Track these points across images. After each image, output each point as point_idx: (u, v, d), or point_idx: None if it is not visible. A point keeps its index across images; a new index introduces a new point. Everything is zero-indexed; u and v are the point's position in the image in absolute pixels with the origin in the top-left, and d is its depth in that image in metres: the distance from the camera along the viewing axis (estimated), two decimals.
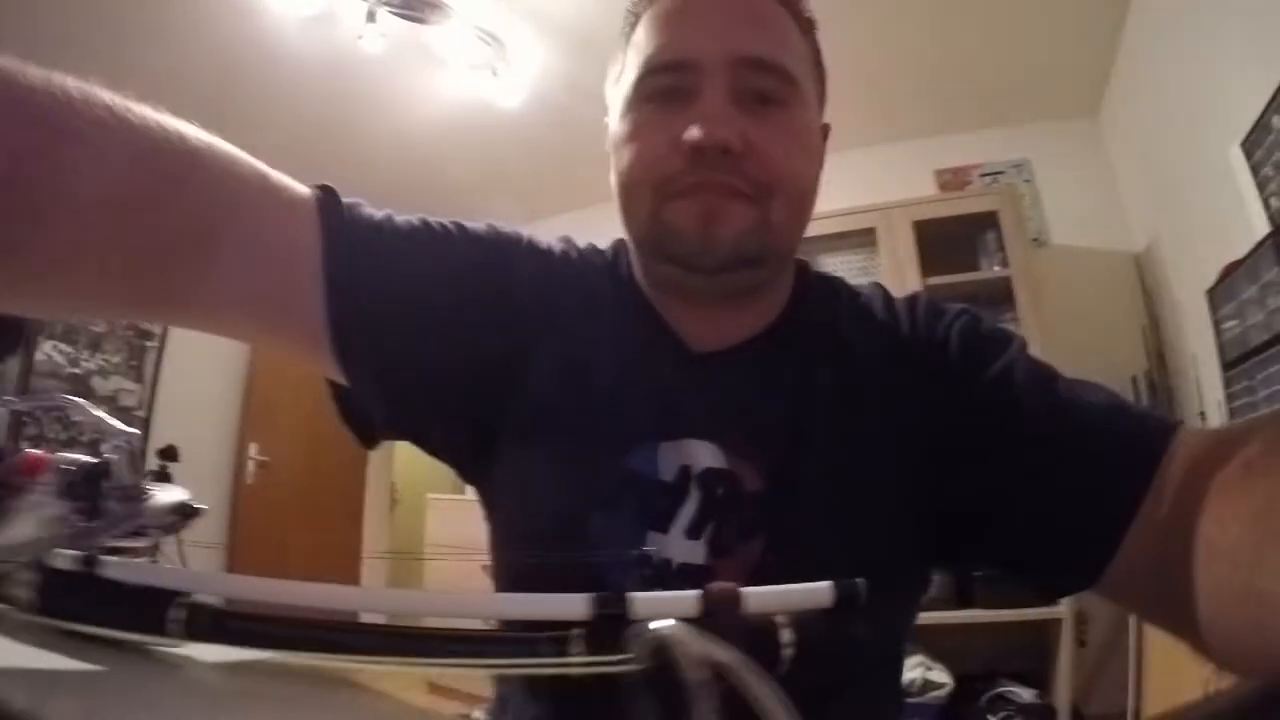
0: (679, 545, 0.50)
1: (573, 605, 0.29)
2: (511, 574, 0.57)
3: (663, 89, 0.51)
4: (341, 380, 0.54)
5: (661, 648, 0.21)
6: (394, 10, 2.40)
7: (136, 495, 0.47)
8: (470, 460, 0.60)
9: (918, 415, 0.52)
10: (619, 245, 0.66)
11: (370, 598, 0.40)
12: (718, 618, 0.25)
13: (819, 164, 0.56)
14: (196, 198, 0.44)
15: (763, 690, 0.17)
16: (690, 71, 0.50)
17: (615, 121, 0.57)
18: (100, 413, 0.51)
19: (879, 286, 0.61)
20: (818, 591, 0.31)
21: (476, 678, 2.25)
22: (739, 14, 0.52)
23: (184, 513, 0.49)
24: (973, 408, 0.50)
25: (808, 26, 0.56)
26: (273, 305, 0.50)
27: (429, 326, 0.53)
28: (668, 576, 0.49)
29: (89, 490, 0.48)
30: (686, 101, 0.50)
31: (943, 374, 0.52)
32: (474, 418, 0.56)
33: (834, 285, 0.62)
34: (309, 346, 0.51)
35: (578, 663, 0.27)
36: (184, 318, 0.52)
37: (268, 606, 0.38)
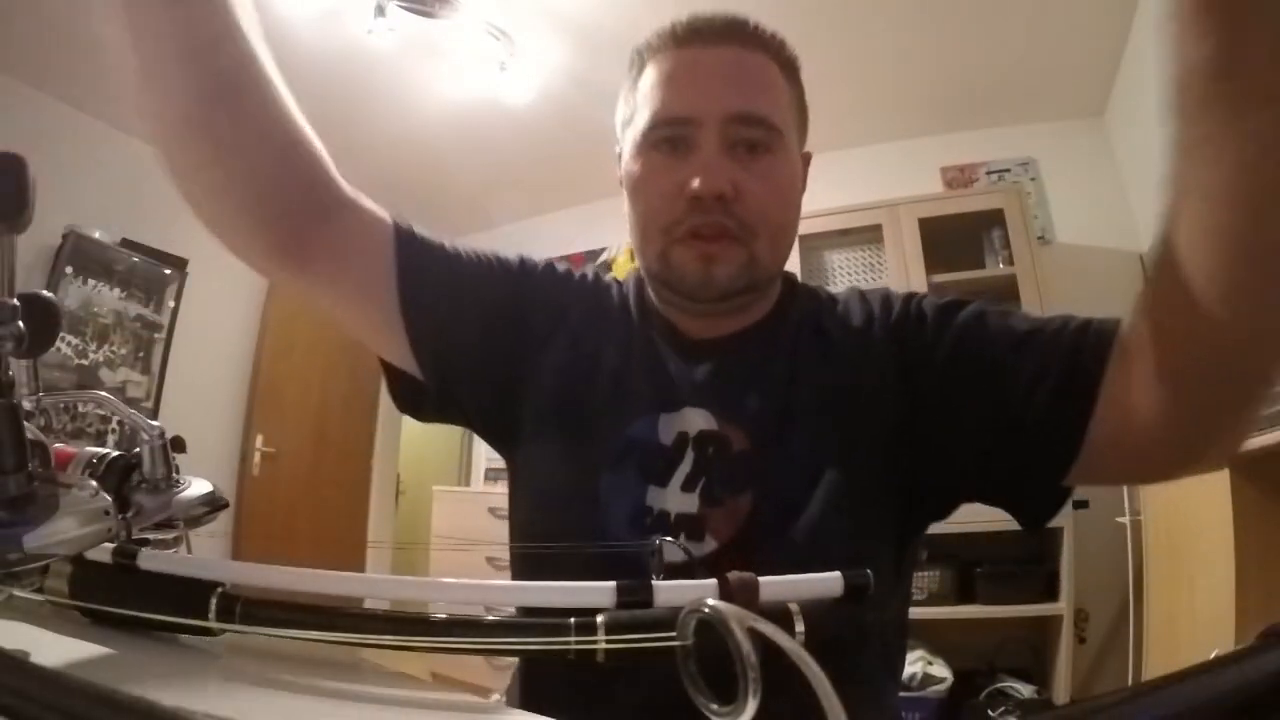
0: (676, 498, 0.58)
1: (599, 594, 0.31)
2: (532, 531, 0.63)
3: (666, 139, 0.60)
4: (393, 360, 0.65)
5: (711, 623, 0.23)
6: (403, 4, 2.40)
7: (166, 488, 0.48)
8: (501, 434, 0.68)
9: (889, 376, 0.60)
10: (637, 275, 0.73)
11: (400, 587, 0.41)
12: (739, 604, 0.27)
13: (800, 198, 0.66)
14: (320, 172, 0.59)
15: (807, 659, 0.18)
16: (690, 126, 0.59)
17: (626, 159, 0.65)
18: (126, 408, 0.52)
19: (854, 289, 0.70)
20: (828, 581, 0.33)
21: (479, 667, 2.27)
22: (731, 73, 0.60)
23: (212, 505, 0.50)
24: (939, 348, 0.58)
25: (792, 71, 0.65)
26: (363, 286, 0.63)
27: (469, 321, 0.64)
28: (665, 526, 0.56)
29: (119, 483, 0.49)
30: (687, 151, 0.59)
31: (910, 336, 0.61)
32: (502, 397, 0.65)
33: (815, 292, 0.72)
34: (382, 324, 0.62)
35: (627, 642, 0.29)
36: (306, 274, 0.62)
37: (300, 595, 0.39)
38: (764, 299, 0.67)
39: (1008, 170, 3.04)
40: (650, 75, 0.62)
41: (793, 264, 2.88)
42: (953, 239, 2.69)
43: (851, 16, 2.48)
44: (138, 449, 0.51)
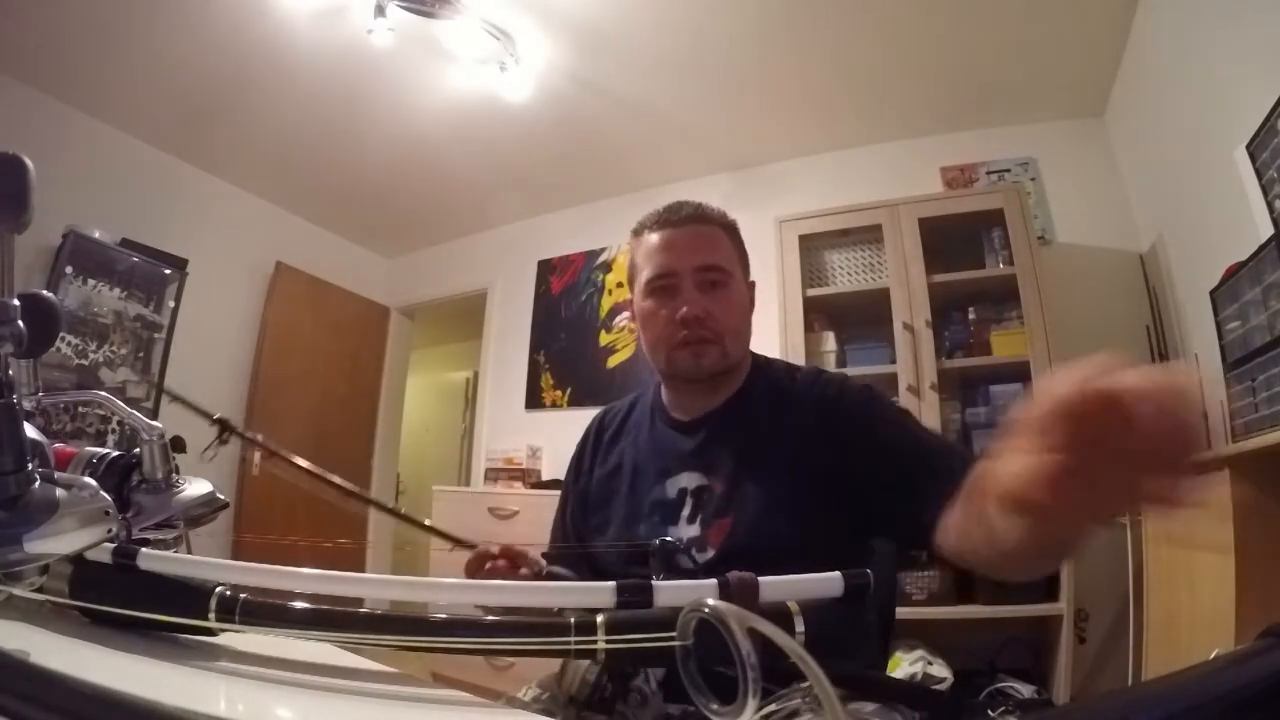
0: (685, 529, 0.91)
1: (599, 595, 0.31)
2: (611, 568, 0.92)
3: (662, 287, 0.96)
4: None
5: (710, 622, 0.23)
6: (403, 4, 2.40)
7: (166, 488, 0.48)
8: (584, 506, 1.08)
9: (817, 441, 0.89)
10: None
11: (411, 587, 0.41)
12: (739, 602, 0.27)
13: (748, 310, 1.01)
14: None
15: (807, 658, 0.18)
16: (675, 277, 0.95)
17: (638, 299, 1.00)
18: (126, 408, 0.52)
19: (812, 369, 1.02)
20: (829, 581, 0.33)
21: (480, 667, 2.27)
22: (696, 242, 0.97)
23: (211, 505, 0.51)
24: (851, 432, 0.88)
25: (732, 231, 1.02)
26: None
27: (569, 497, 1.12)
28: (680, 546, 0.86)
29: (119, 483, 0.49)
30: (675, 293, 0.95)
31: (833, 414, 0.91)
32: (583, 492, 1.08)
33: (775, 370, 1.03)
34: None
35: (626, 642, 0.29)
36: None
37: (300, 595, 0.39)
38: (735, 379, 1.00)
39: (1008, 170, 3.04)
40: (647, 243, 0.99)
41: (794, 264, 2.84)
42: (953, 239, 2.69)
43: (852, 17, 2.48)
44: (137, 449, 0.51)
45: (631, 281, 1.04)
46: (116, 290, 3.26)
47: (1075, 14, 2.43)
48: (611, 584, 0.32)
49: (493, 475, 3.59)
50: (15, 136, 2.85)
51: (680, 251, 0.95)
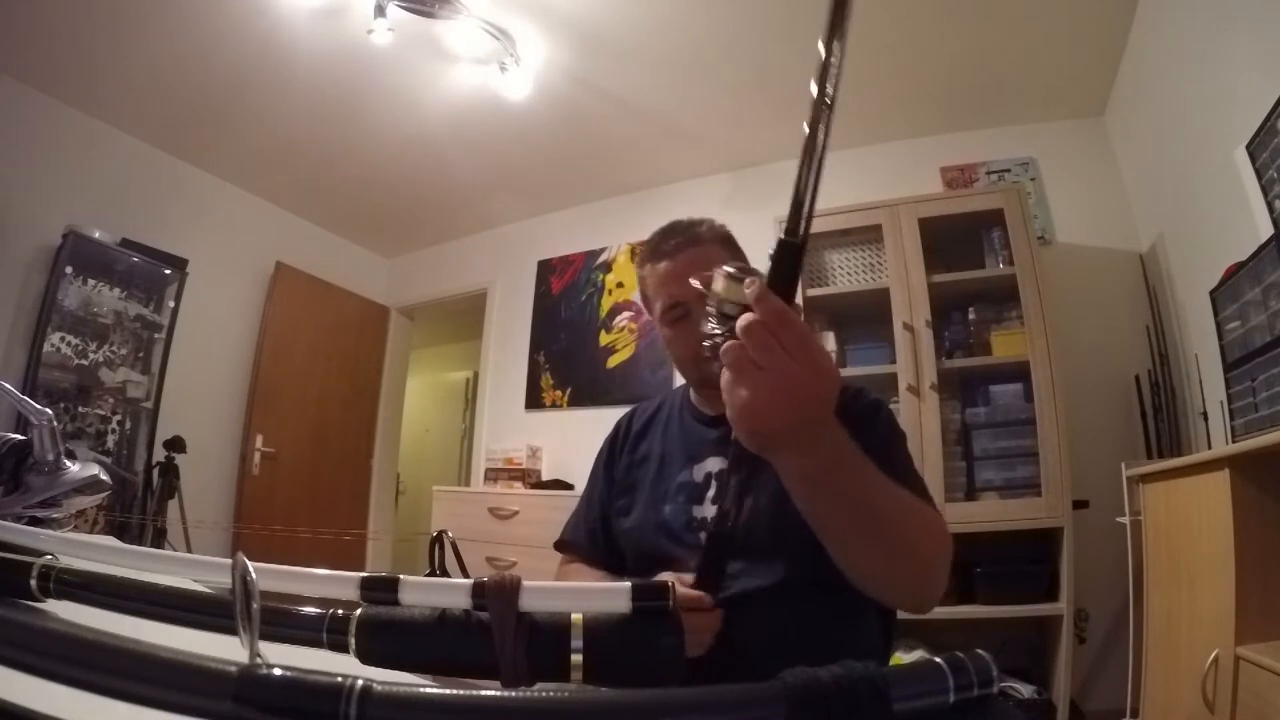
0: (709, 508, 0.99)
1: (345, 587, 0.31)
2: (641, 545, 1.05)
3: (675, 316, 1.03)
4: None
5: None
6: (403, 4, 2.40)
7: (55, 469, 0.52)
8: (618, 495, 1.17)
9: None
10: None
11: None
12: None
13: None
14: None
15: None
16: (684, 305, 1.02)
17: (658, 323, 1.09)
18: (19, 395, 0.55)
19: None
20: (615, 595, 0.32)
21: None
22: (694, 266, 0.96)
23: (96, 487, 0.54)
24: (855, 429, 0.85)
25: (728, 242, 1.08)
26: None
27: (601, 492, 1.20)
28: (705, 524, 0.96)
29: (15, 465, 0.53)
30: (689, 320, 1.02)
31: (845, 410, 0.91)
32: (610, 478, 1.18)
33: None
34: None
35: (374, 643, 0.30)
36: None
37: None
38: None
39: (1008, 170, 3.04)
40: (653, 274, 1.06)
41: None
42: (953, 239, 2.69)
43: (852, 18, 2.48)
44: (29, 435, 0.54)
45: (648, 306, 1.13)
46: (116, 290, 3.27)
47: (1075, 14, 2.43)
48: (358, 575, 0.32)
49: (493, 475, 3.59)
50: (16, 136, 2.85)
51: (683, 280, 1.00)
